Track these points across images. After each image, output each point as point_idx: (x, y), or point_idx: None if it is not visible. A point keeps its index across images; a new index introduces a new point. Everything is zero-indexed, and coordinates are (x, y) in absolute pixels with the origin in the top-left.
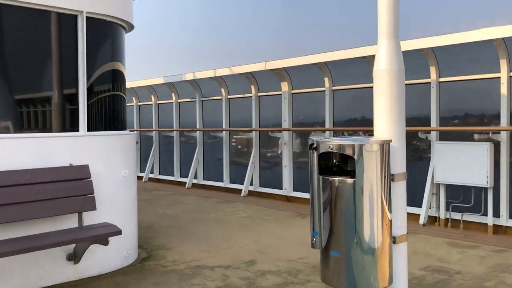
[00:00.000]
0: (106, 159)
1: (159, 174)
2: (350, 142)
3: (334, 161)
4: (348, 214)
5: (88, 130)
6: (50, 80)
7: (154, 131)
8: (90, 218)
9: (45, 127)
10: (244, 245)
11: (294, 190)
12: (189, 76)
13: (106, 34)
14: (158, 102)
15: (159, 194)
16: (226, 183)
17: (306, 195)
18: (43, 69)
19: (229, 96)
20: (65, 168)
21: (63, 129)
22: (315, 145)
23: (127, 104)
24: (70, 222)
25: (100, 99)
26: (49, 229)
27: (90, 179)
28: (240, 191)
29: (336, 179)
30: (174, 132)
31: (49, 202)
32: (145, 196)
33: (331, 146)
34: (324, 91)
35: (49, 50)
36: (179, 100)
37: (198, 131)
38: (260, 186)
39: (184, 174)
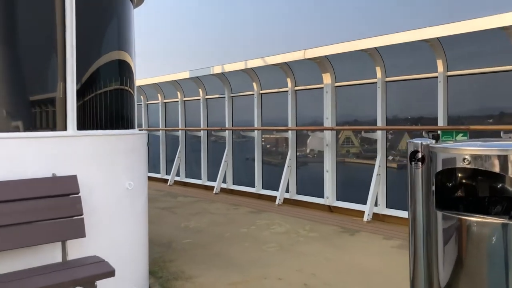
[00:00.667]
0: (103, 166)
1: (186, 177)
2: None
3: (464, 182)
4: (495, 280)
5: (79, 128)
6: (27, 63)
7: (180, 131)
8: (79, 248)
9: (19, 125)
10: (284, 275)
11: (338, 199)
12: (217, 69)
13: (105, 5)
14: (184, 99)
15: (184, 201)
16: (258, 189)
17: (353, 206)
18: (16, 49)
19: (261, 91)
20: (45, 180)
21: (45, 127)
22: (421, 155)
23: (152, 102)
24: (50, 254)
25: (96, 89)
26: (19, 266)
27: (79, 194)
28: (274, 198)
29: (474, 219)
30: (202, 131)
31: (20, 228)
32: (169, 203)
33: (466, 158)
34: (375, 83)
35: (22, 20)
36: (206, 97)
37: (227, 130)
38: (297, 194)
39: (212, 177)
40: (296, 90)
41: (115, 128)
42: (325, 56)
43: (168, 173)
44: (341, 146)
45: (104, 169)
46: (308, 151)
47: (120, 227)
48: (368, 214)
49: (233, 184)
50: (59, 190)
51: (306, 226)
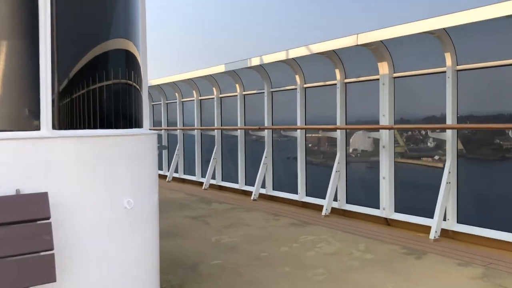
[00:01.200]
0: (91, 178)
1: (222, 180)
2: None
3: None
4: None
5: (58, 127)
6: None
7: (216, 130)
8: None
9: None
10: None
11: (396, 211)
12: (255, 61)
13: None
14: (220, 95)
15: (218, 209)
16: (301, 196)
17: (415, 219)
18: None
19: (305, 85)
20: (3, 200)
21: (8, 125)
22: None
23: (187, 99)
24: None
25: (84, 79)
26: None
27: (49, 220)
28: (319, 207)
29: None
30: (239, 130)
31: None
32: (201, 211)
33: None
34: (444, 72)
35: None
36: (244, 92)
37: (266, 130)
38: (347, 203)
39: (250, 181)
40: (346, 82)
41: (111, 128)
42: (381, 41)
43: (203, 175)
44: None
45: (92, 182)
46: (351, 150)
47: (114, 266)
48: (436, 231)
49: (273, 189)
50: (22, 214)
51: (360, 245)
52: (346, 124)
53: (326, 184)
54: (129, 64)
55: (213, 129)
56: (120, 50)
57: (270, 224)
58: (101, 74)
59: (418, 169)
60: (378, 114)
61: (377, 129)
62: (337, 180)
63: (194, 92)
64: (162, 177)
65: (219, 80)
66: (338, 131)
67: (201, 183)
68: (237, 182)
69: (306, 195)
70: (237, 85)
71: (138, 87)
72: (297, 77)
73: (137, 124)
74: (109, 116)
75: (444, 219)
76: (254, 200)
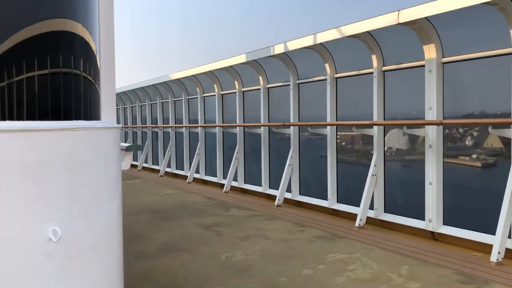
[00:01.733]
0: None
1: (244, 182)
2: None
3: None
4: None
5: None
6: None
7: (238, 127)
8: None
9: None
10: None
11: (445, 223)
12: (278, 49)
13: None
14: (243, 89)
15: (236, 216)
16: (332, 203)
17: (469, 234)
18: None
19: (336, 75)
20: None
21: None
22: None
23: (208, 94)
24: None
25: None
26: None
27: None
28: (353, 217)
29: None
30: (262, 128)
31: None
32: (217, 218)
33: None
34: (510, 54)
35: None
36: (268, 85)
37: (292, 127)
38: (385, 212)
39: (275, 183)
40: (384, 70)
41: (44, 119)
42: (426, 18)
43: (225, 176)
44: (421, 143)
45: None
46: (385, 148)
47: None
48: (499, 252)
49: (299, 194)
50: None
51: (402, 268)
52: (384, 119)
53: (360, 188)
54: (73, 48)
55: (235, 126)
56: (58, 32)
57: (293, 236)
58: (31, 58)
59: (455, 168)
60: (417, 108)
61: (422, 125)
62: (373, 185)
63: (215, 86)
64: (182, 177)
65: (241, 73)
66: (375, 127)
67: (222, 185)
68: (260, 185)
69: (337, 202)
70: (260, 78)
71: (88, 74)
72: (326, 66)
73: (87, 115)
74: (42, 106)
75: (509, 237)
76: (278, 206)
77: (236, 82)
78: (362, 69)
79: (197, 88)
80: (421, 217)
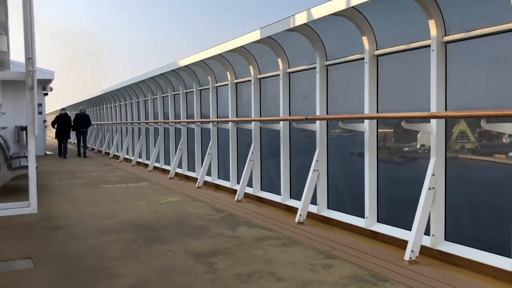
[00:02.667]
0: None
1: (261, 189)
2: None
3: None
4: None
5: None
6: None
7: (253, 122)
8: None
9: None
10: None
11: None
12: (300, 19)
13: None
14: (259, 76)
15: (244, 238)
16: (370, 222)
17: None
18: None
19: (377, 51)
20: None
21: None
22: None
23: (221, 84)
24: None
25: None
26: None
27: None
28: (401, 244)
29: None
30: (281, 123)
31: None
32: (219, 240)
33: None
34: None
35: None
36: (289, 70)
37: (318, 121)
38: (446, 239)
39: (298, 192)
40: (447, 42)
41: None
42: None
43: (239, 181)
44: (454, 141)
45: None
46: (418, 146)
47: None
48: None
49: (327, 207)
50: None
51: None
52: (446, 110)
53: (408, 201)
54: None
55: (250, 121)
56: None
57: (316, 277)
58: None
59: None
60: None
61: (502, 116)
62: (429, 204)
63: (228, 73)
64: (194, 180)
65: (257, 55)
66: (433, 121)
67: (235, 192)
68: (279, 194)
69: (378, 221)
70: (279, 60)
71: None
72: (364, 39)
73: None
74: None
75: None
76: (299, 222)
77: (251, 68)
78: (414, 42)
79: (209, 77)
80: (501, 250)
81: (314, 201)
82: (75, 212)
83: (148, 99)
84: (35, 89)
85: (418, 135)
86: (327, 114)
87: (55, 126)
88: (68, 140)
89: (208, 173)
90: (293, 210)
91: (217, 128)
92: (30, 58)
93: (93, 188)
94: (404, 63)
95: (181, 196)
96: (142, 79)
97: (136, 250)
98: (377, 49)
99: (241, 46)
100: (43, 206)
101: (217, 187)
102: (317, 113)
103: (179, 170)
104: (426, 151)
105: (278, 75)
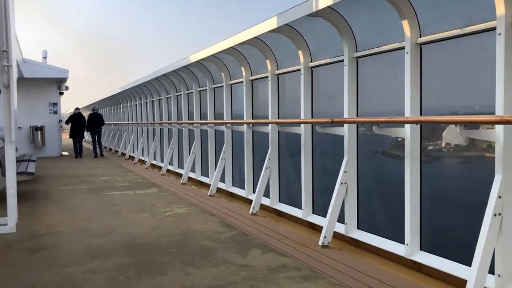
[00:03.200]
0: None
1: (279, 201)
2: None
3: None
4: None
5: None
6: None
7: (270, 125)
8: None
9: None
10: None
11: None
12: (324, 1)
13: None
14: (276, 71)
15: (255, 267)
16: (412, 250)
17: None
18: None
19: (421, 39)
20: None
21: None
22: None
23: (235, 81)
24: None
25: None
26: None
27: None
28: (450, 279)
29: None
30: (302, 126)
31: None
32: (224, 270)
33: None
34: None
35: None
36: (311, 64)
37: (347, 125)
38: (359, 229)
39: (323, 205)
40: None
41: None
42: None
43: (255, 189)
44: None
45: None
46: (443, 144)
47: None
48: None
49: (357, 227)
50: None
51: None
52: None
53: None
54: None
55: (266, 123)
56: None
57: None
58: None
59: None
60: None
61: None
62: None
63: (242, 69)
64: (207, 187)
65: (275, 48)
66: (498, 128)
67: (250, 202)
68: (301, 207)
69: (422, 249)
70: (299, 53)
71: None
72: (405, 24)
73: None
74: None
75: None
76: (324, 246)
77: (267, 62)
78: (471, 25)
79: (222, 73)
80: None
81: (341, 219)
82: (67, 227)
83: (162, 98)
84: (13, 87)
85: (444, 133)
86: (357, 116)
87: (69, 124)
88: (83, 139)
89: (222, 179)
90: (316, 228)
91: (232, 130)
92: (5, 50)
93: (97, 196)
94: (453, 51)
95: (190, 207)
96: (155, 76)
97: (121, 284)
98: (420, 36)
99: (255, 37)
100: (34, 219)
101: (232, 195)
102: (345, 114)
103: (192, 175)
104: (451, 149)
105: (299, 70)
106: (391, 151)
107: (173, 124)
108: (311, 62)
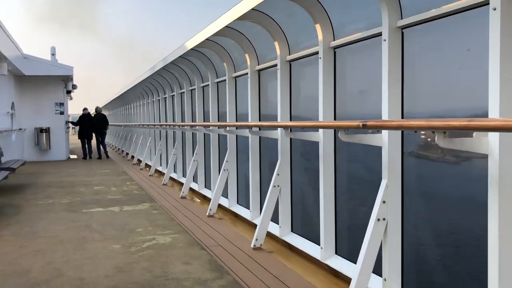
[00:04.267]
0: None
1: (292, 230)
2: None
3: None
4: None
5: None
6: None
7: (279, 129)
8: None
9: None
10: None
11: None
12: None
13: None
14: (288, 57)
15: None
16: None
17: None
18: None
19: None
20: None
21: None
22: None
23: (240, 73)
24: None
25: None
26: None
27: None
28: None
29: None
30: (320, 132)
31: None
32: None
33: None
34: None
35: None
36: (333, 43)
37: (387, 130)
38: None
39: (346, 246)
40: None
41: None
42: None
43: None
44: None
45: None
46: None
47: None
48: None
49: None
50: None
51: None
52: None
53: None
54: None
55: (275, 127)
56: None
57: None
58: None
59: None
60: None
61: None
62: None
63: (246, 56)
64: (207, 202)
65: (286, 27)
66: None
67: (255, 227)
68: (318, 243)
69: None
70: (317, 27)
71: None
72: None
73: None
74: None
75: None
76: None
77: (276, 44)
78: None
79: (224, 63)
80: None
81: (378, 270)
82: (4, 267)
83: (166, 97)
84: None
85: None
86: (402, 116)
87: (79, 126)
88: (91, 139)
89: (225, 195)
90: (340, 276)
91: (236, 135)
92: None
93: (74, 214)
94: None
95: (178, 234)
96: (155, 71)
97: None
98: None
99: (252, 8)
100: None
101: (236, 216)
102: (384, 115)
103: (195, 186)
104: None
105: (316, 53)
106: (420, 152)
107: (172, 126)
108: (334, 40)
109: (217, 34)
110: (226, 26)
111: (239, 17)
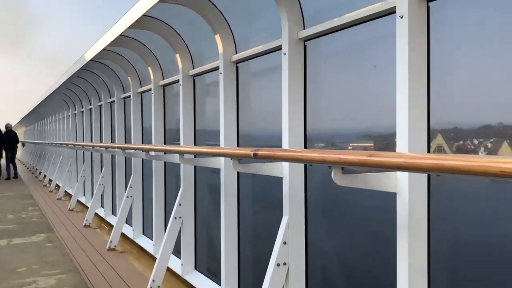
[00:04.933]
0: None
1: (195, 267)
2: None
3: None
4: None
5: None
6: None
7: (179, 154)
8: None
9: None
10: None
11: None
12: None
13: None
14: (191, 72)
15: None
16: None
17: None
18: None
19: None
20: None
21: None
22: None
23: (144, 89)
24: None
25: None
26: None
27: None
28: None
29: None
30: (222, 158)
31: None
32: None
33: None
34: None
35: None
36: (235, 56)
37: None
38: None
39: None
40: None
41: None
42: None
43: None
44: None
45: None
46: None
47: None
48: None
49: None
50: None
51: None
52: None
53: None
54: None
55: (173, 151)
56: None
57: None
58: None
59: None
60: None
61: None
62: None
63: (149, 69)
64: (111, 231)
65: (189, 38)
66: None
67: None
68: (219, 283)
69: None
70: (217, 38)
71: None
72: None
73: None
74: None
75: None
76: None
77: (178, 57)
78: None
79: (129, 77)
80: None
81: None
82: None
83: (76, 113)
84: None
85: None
86: (305, 141)
87: None
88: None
89: (129, 223)
90: None
91: (143, 160)
92: None
93: None
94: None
95: (65, 275)
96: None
97: None
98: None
99: (144, 14)
100: None
101: (141, 249)
102: (284, 141)
103: (101, 212)
104: None
105: (218, 68)
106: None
107: (81, 146)
108: (235, 55)
109: (114, 44)
110: (121, 35)
111: (131, 25)
